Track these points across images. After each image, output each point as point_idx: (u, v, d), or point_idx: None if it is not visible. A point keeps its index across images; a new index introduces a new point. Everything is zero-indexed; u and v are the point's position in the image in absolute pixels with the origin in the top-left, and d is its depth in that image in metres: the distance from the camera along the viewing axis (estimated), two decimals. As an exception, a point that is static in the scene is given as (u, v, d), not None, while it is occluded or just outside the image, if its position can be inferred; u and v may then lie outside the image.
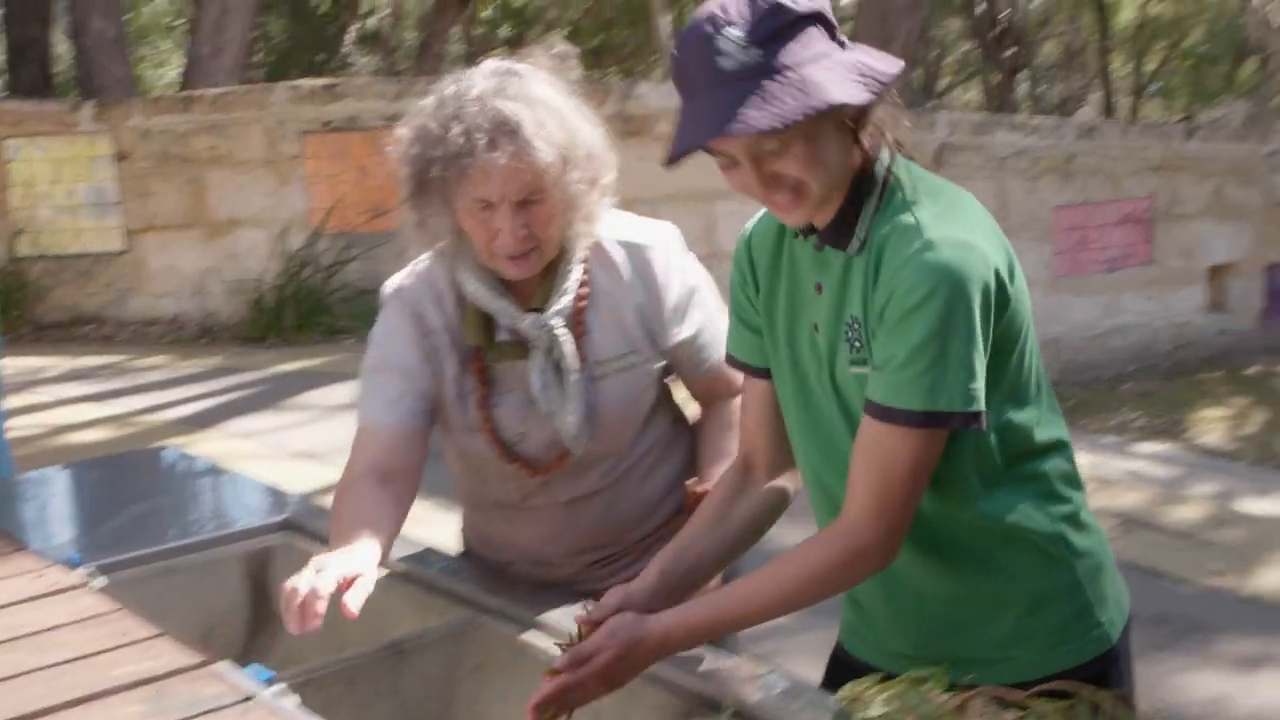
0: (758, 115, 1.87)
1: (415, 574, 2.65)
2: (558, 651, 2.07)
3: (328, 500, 2.54)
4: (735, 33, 1.90)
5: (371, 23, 28.72)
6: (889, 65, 1.98)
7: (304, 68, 20.99)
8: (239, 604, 2.89)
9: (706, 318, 2.64)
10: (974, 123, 12.73)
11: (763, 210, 2.20)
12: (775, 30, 1.91)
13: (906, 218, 2.02)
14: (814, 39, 1.94)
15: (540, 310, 2.49)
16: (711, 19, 1.93)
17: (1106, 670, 2.22)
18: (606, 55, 21.92)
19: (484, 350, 2.52)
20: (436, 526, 3.22)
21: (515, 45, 20.60)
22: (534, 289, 2.50)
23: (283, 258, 10.95)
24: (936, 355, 1.94)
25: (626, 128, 10.60)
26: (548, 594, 2.51)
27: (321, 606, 2.06)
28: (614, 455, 2.62)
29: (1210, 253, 13.91)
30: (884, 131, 2.07)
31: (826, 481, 2.21)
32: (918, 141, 10.00)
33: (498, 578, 2.67)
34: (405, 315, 2.54)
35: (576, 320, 2.53)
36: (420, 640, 2.44)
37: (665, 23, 14.87)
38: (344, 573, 2.12)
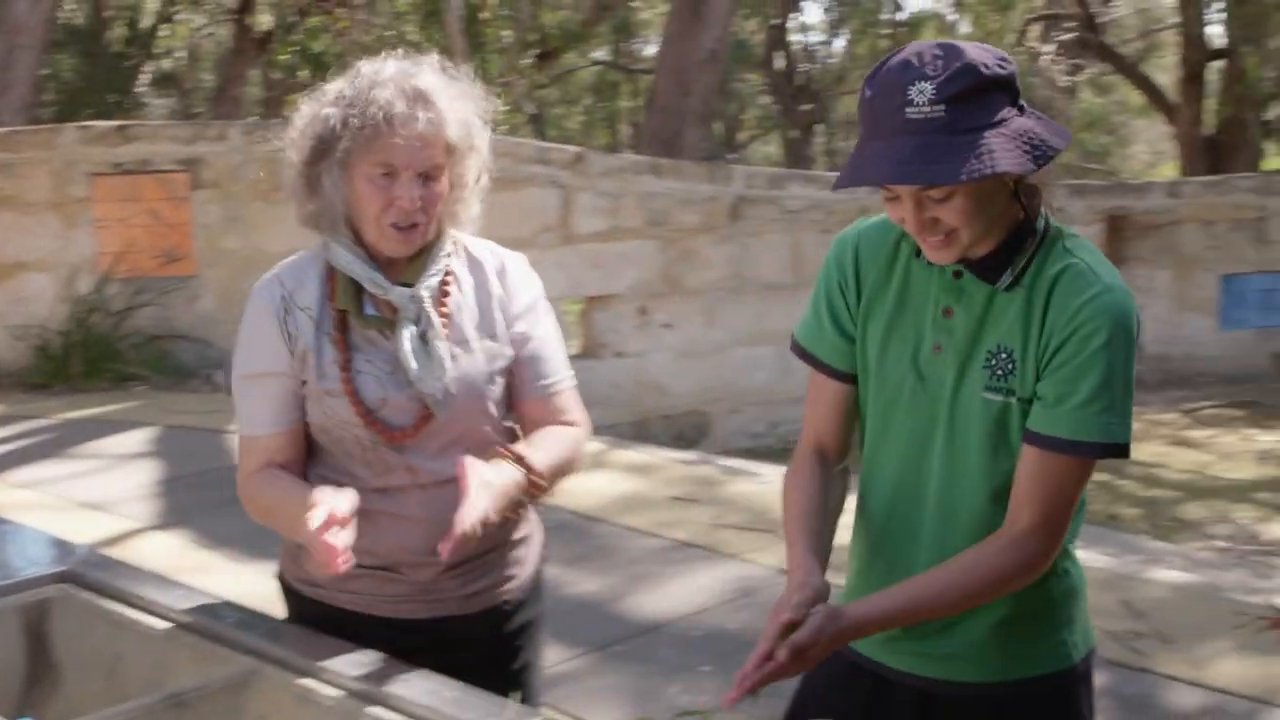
0: (932, 170, 2.08)
1: (197, 624, 2.59)
2: (341, 694, 2.22)
3: (116, 551, 2.49)
4: (927, 87, 2.10)
5: (167, 64, 28.20)
6: (1059, 139, 2.18)
7: (96, 108, 20.48)
8: (15, 656, 2.80)
9: (551, 333, 2.80)
10: (769, 176, 12.96)
11: (873, 220, 2.44)
12: (962, 91, 2.10)
13: (1077, 264, 2.25)
14: (996, 104, 2.13)
15: (410, 285, 2.60)
16: (906, 67, 2.13)
17: (1067, 687, 2.45)
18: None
19: (349, 316, 2.61)
20: (223, 576, 3.16)
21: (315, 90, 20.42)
22: (403, 268, 2.62)
23: (70, 302, 10.64)
24: (1115, 394, 2.21)
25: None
26: (330, 644, 2.49)
27: (344, 536, 2.32)
28: (470, 439, 2.65)
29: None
30: (1044, 192, 2.29)
31: (902, 479, 2.41)
32: (713, 195, 10.25)
33: (279, 628, 2.63)
34: (268, 305, 2.63)
35: (441, 300, 2.65)
36: (200, 692, 2.39)
37: (468, 68, 14.84)
38: (339, 504, 2.37)
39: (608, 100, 36.13)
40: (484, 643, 2.75)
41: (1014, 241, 2.27)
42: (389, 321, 2.60)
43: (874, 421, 2.45)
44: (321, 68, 19.15)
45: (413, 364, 2.57)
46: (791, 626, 2.16)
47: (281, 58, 19.26)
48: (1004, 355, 2.28)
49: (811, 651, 2.16)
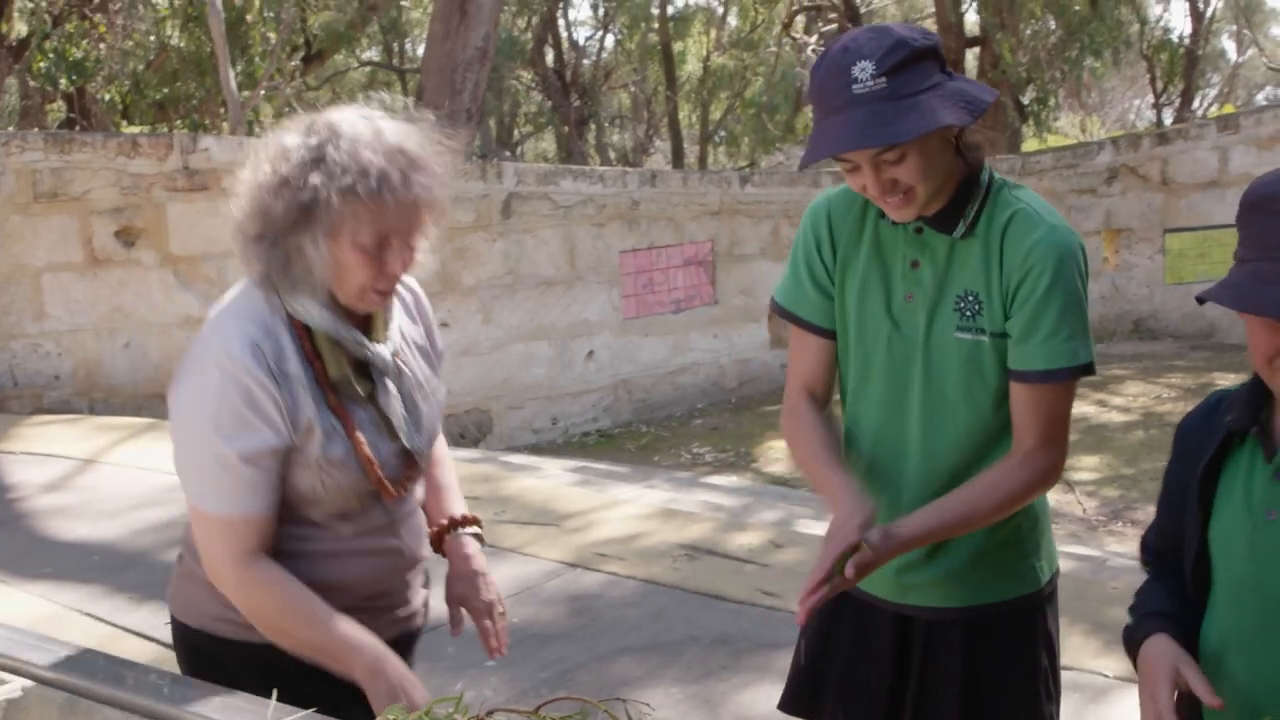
0: (883, 133, 2.37)
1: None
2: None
3: None
4: (868, 65, 2.39)
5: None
6: (985, 94, 2.49)
7: None
8: None
9: (444, 357, 2.85)
10: (540, 173, 13.01)
11: (839, 189, 2.73)
12: (899, 63, 2.39)
13: (1024, 209, 2.58)
14: (928, 71, 2.43)
15: (378, 340, 2.55)
16: (846, 50, 2.43)
17: (1035, 607, 2.77)
18: (172, 108, 21.31)
19: (338, 382, 2.50)
20: None
21: (77, 98, 19.82)
22: (365, 321, 2.55)
23: None
24: (1074, 322, 2.53)
25: (191, 182, 10.38)
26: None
27: None
28: (421, 476, 2.75)
29: (768, 291, 14.47)
30: (983, 147, 2.63)
31: (885, 419, 2.70)
32: (485, 192, 10.24)
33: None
34: (258, 376, 2.39)
35: (401, 354, 2.63)
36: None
37: (231, 75, 14.58)
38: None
39: (380, 101, 35.73)
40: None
41: (962, 194, 2.58)
42: (368, 377, 2.55)
43: (855, 369, 2.74)
44: (84, 74, 18.60)
45: (404, 422, 2.57)
46: (855, 547, 2.40)
47: (39, 65, 18.63)
48: (970, 298, 2.59)
49: (872, 567, 2.45)
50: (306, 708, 2.18)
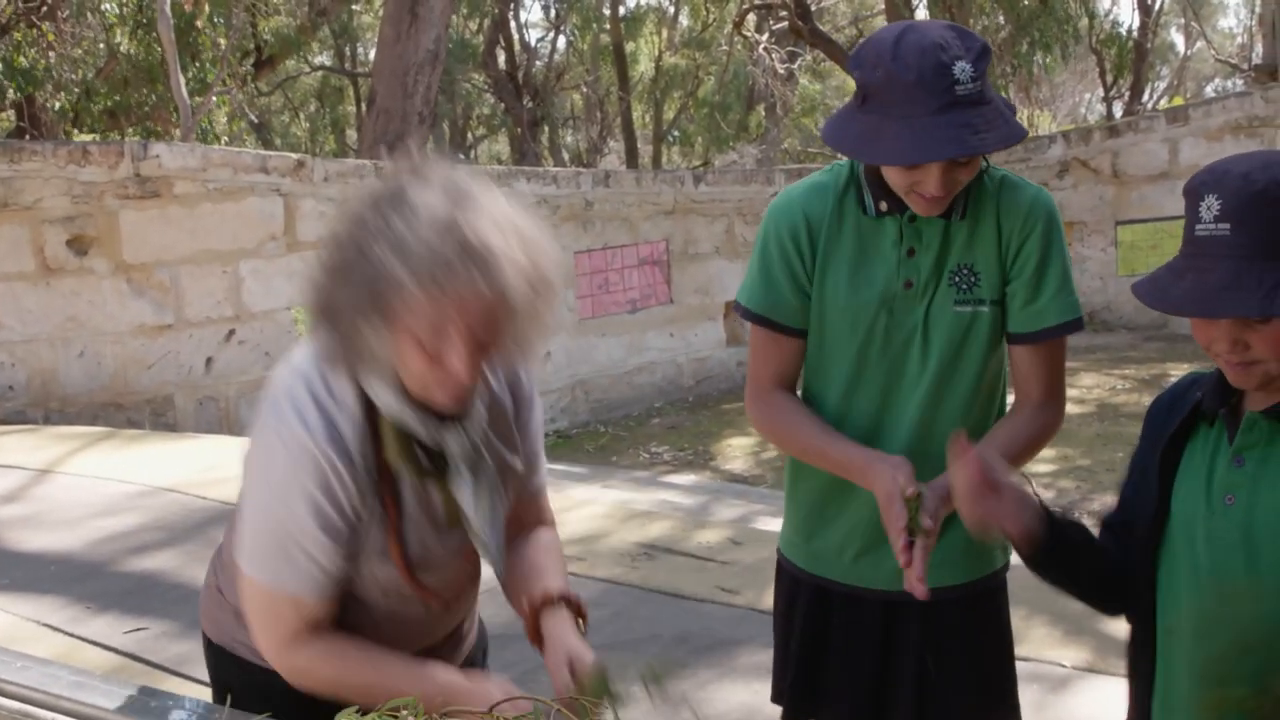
0: (992, 138, 2.39)
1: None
2: None
3: None
4: (966, 66, 2.39)
5: None
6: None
7: None
8: None
9: (541, 432, 2.58)
10: (494, 175, 12.97)
11: (801, 186, 2.75)
12: (986, 67, 2.42)
13: (1006, 175, 2.67)
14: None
15: (458, 421, 2.26)
16: (941, 48, 2.39)
17: (998, 587, 2.86)
18: (123, 115, 21.17)
19: (398, 470, 2.26)
20: None
21: (26, 107, 19.64)
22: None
23: None
24: (1070, 275, 2.66)
25: (143, 190, 10.31)
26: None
27: None
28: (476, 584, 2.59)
29: (724, 289, 14.62)
30: None
31: (884, 406, 2.72)
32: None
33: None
34: (332, 463, 2.19)
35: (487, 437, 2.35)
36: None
37: (182, 82, 14.51)
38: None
39: (333, 105, 35.68)
40: None
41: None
42: (441, 467, 2.29)
43: (846, 363, 2.73)
44: (30, 82, 18.45)
45: (474, 519, 2.31)
46: (917, 497, 2.44)
47: (-15, 74, 18.49)
48: (965, 270, 2.64)
49: (940, 514, 2.46)
50: None
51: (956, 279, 2.64)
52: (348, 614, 2.35)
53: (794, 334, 2.76)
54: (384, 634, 2.36)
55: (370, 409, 2.22)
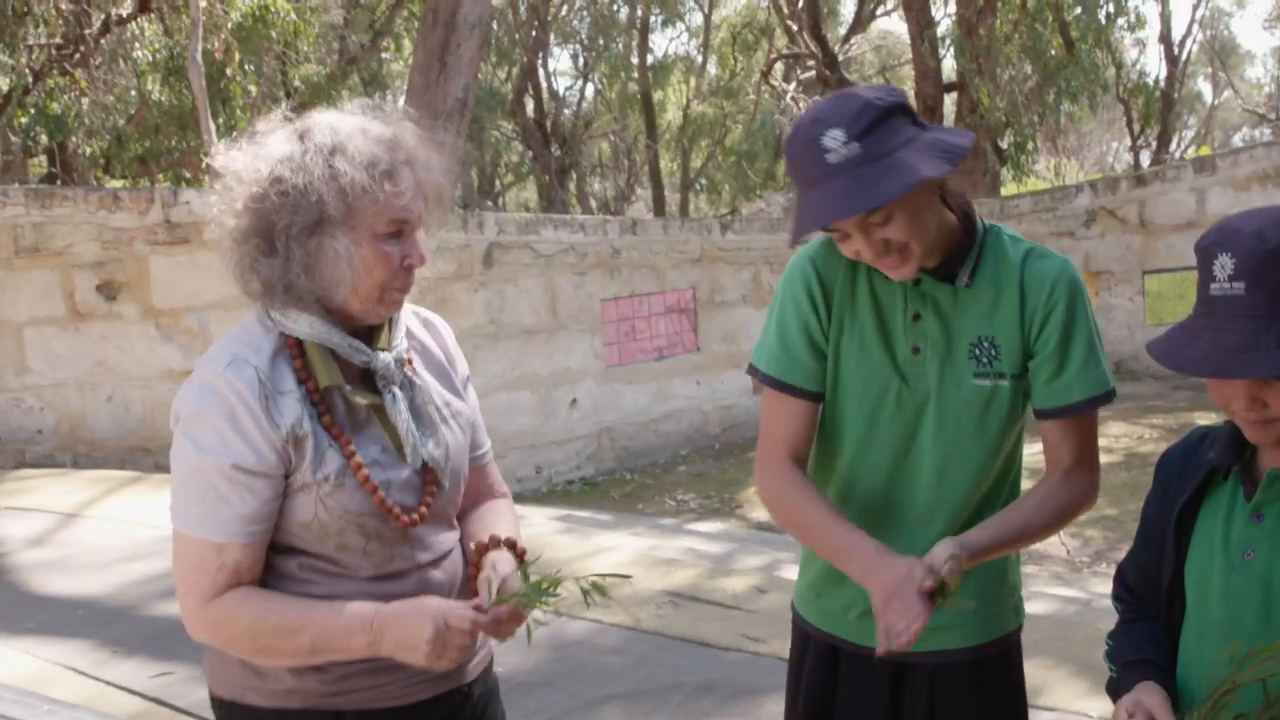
0: (864, 196, 2.35)
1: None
2: None
3: None
4: (838, 133, 2.38)
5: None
6: (961, 139, 2.49)
7: None
8: None
9: (476, 403, 2.72)
10: (521, 222, 13.03)
11: (817, 243, 2.67)
12: (869, 125, 2.38)
13: (1033, 248, 2.64)
14: (899, 127, 2.42)
15: (381, 348, 2.44)
16: (815, 122, 2.42)
17: (1015, 645, 2.82)
18: (154, 161, 21.34)
19: (333, 394, 2.38)
20: None
21: (58, 153, 19.83)
22: (369, 335, 2.45)
23: None
24: (1098, 348, 2.61)
25: (173, 235, 10.40)
26: None
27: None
28: (450, 513, 2.59)
29: (750, 337, 14.59)
30: (965, 194, 2.64)
31: (893, 474, 2.67)
32: (466, 242, 10.25)
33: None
34: (245, 390, 2.30)
35: (410, 364, 2.50)
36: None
37: (213, 129, 14.63)
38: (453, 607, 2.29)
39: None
40: (466, 713, 2.63)
41: (964, 245, 2.59)
42: (373, 389, 2.42)
43: (857, 427, 2.69)
44: (62, 129, 18.61)
45: (414, 433, 2.42)
46: (942, 586, 2.38)
47: (19, 120, 18.65)
48: (986, 344, 2.60)
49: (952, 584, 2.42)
50: None
51: (977, 351, 2.61)
52: (337, 588, 2.39)
53: (809, 397, 2.71)
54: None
55: (294, 346, 2.37)
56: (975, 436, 2.63)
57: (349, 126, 2.35)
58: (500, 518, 2.68)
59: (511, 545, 2.52)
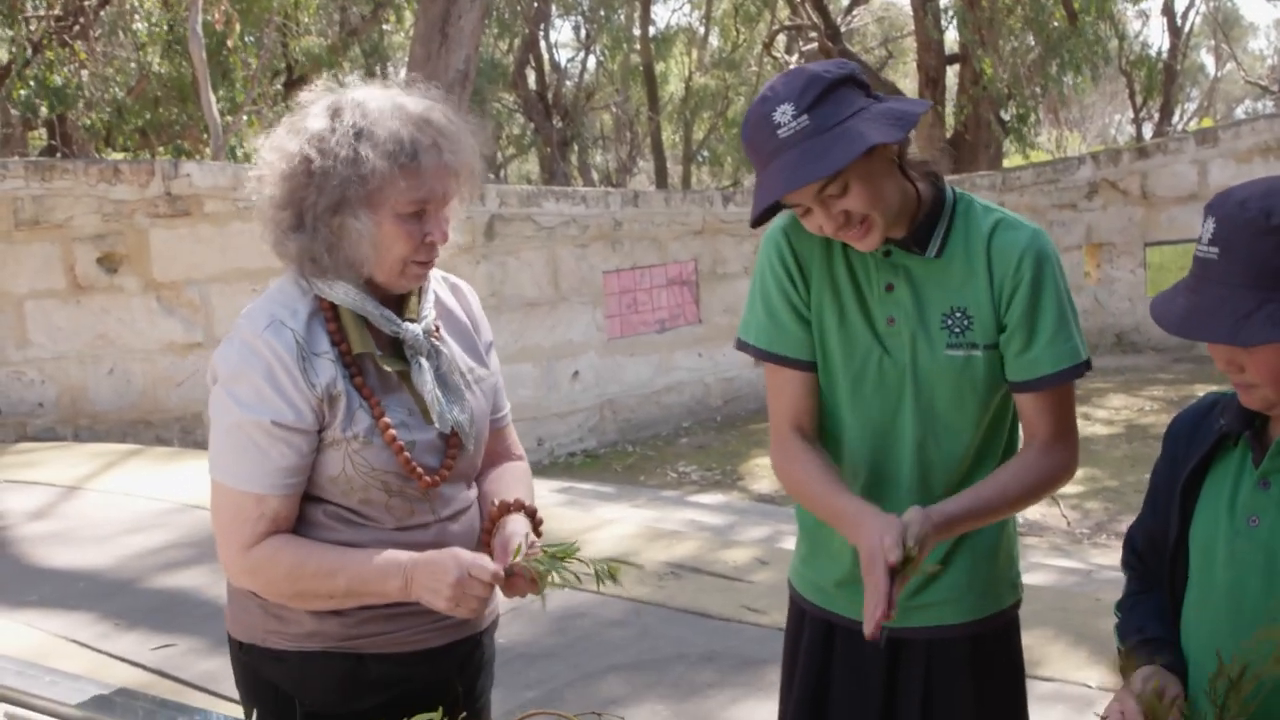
0: (814, 168, 2.35)
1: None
2: None
3: None
4: (787, 107, 2.39)
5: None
6: (916, 106, 2.48)
7: None
8: None
9: (499, 370, 2.81)
10: (523, 194, 13.01)
11: (787, 215, 2.66)
12: (816, 97, 2.39)
13: (1003, 217, 2.62)
14: (849, 99, 2.42)
15: (411, 319, 2.54)
16: (764, 99, 2.43)
17: (1012, 620, 2.80)
18: (155, 134, 21.31)
19: (365, 359, 2.48)
20: None
21: (58, 125, 19.80)
22: (399, 303, 2.56)
23: None
24: (1069, 320, 2.58)
25: (174, 208, 10.38)
26: None
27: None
28: (470, 473, 2.69)
29: (752, 310, 14.56)
30: (932, 164, 2.64)
31: (876, 444, 2.67)
32: (468, 215, 10.14)
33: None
34: (284, 350, 2.41)
35: (437, 333, 2.61)
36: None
37: (213, 101, 14.59)
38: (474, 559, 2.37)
39: (363, 124, 35.71)
40: (475, 662, 2.75)
41: (929, 213, 2.59)
42: (402, 357, 2.53)
43: (840, 396, 2.69)
44: (62, 101, 18.58)
45: (440, 399, 2.53)
46: (908, 559, 2.35)
47: (19, 92, 18.62)
48: (959, 314, 2.59)
49: (918, 563, 2.39)
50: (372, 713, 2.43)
51: (949, 322, 2.59)
52: (360, 536, 2.50)
53: (802, 366, 2.70)
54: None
55: (329, 310, 2.47)
56: (955, 407, 2.63)
57: (378, 106, 2.42)
58: (517, 481, 2.77)
59: (531, 514, 2.62)
